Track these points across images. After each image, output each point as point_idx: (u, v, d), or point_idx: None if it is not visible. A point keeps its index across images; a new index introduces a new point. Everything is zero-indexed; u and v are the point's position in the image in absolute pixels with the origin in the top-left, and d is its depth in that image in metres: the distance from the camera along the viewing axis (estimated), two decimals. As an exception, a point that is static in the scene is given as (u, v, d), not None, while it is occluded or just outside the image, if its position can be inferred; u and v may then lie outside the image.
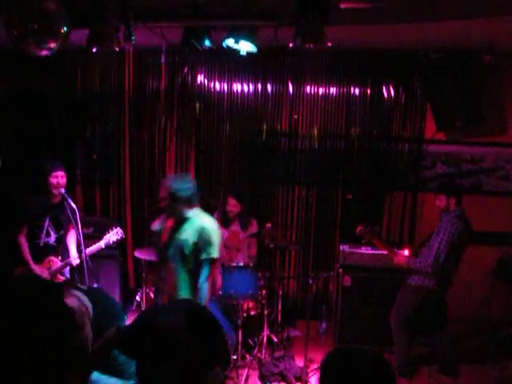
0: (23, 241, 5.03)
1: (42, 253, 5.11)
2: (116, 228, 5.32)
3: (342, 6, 4.42)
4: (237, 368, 5.38)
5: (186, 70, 6.99)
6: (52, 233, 5.15)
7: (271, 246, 6.07)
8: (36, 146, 6.75)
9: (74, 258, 5.13)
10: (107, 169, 7.30)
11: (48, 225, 5.12)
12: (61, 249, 5.24)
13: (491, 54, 5.92)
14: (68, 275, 5.29)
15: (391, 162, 6.90)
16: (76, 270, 5.29)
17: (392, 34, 5.61)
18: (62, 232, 5.22)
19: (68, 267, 5.24)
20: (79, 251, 5.06)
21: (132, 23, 4.44)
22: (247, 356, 5.66)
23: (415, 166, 6.88)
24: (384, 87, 6.78)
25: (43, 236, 5.09)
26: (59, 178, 5.03)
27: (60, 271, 5.16)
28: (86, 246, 5.04)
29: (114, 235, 5.25)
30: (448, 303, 5.55)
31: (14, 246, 5.10)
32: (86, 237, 5.18)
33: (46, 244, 5.13)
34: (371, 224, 5.81)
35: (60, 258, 5.19)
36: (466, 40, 5.67)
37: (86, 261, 4.94)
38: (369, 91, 6.85)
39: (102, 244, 5.19)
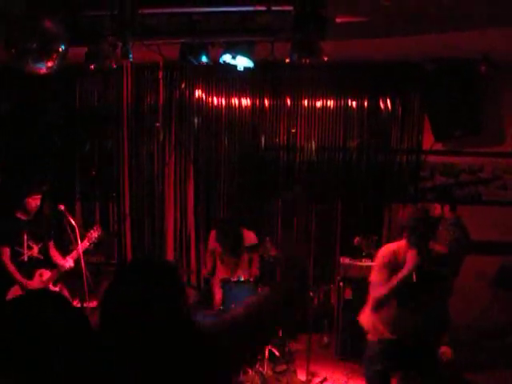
0: (7, 261, 5.04)
1: (29, 267, 5.12)
2: (95, 225, 5.49)
3: (338, 20, 4.45)
4: (240, 383, 5.34)
5: (183, 86, 7.02)
6: (33, 245, 5.17)
7: (271, 260, 6.06)
8: (35, 163, 6.76)
9: (63, 262, 5.16)
10: (106, 185, 7.31)
11: (27, 239, 5.14)
12: (48, 260, 5.26)
13: (487, 64, 5.95)
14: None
15: (390, 173, 6.91)
16: (76, 286, 5.27)
17: (388, 46, 5.64)
18: (43, 243, 5.24)
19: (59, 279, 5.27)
20: (79, 265, 5.06)
21: (129, 41, 4.47)
22: (249, 371, 5.63)
23: (414, 177, 6.89)
24: (381, 99, 6.81)
25: (25, 251, 5.11)
26: (37, 200, 5.09)
27: (52, 280, 5.18)
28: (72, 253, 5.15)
29: (94, 232, 5.34)
30: (449, 312, 5.52)
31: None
32: (85, 252, 5.19)
33: (31, 258, 5.14)
34: (369, 235, 5.81)
35: (49, 269, 5.22)
36: (462, 51, 5.71)
37: (87, 277, 4.95)
38: (366, 103, 6.88)
39: (86, 243, 5.24)
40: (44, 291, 1.73)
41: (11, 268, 5.02)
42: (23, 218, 5.13)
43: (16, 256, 5.09)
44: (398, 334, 3.98)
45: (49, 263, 5.23)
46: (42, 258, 5.22)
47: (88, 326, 1.50)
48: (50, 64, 3.99)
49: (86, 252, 5.19)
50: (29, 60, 3.90)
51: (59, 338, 1.37)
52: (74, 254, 5.14)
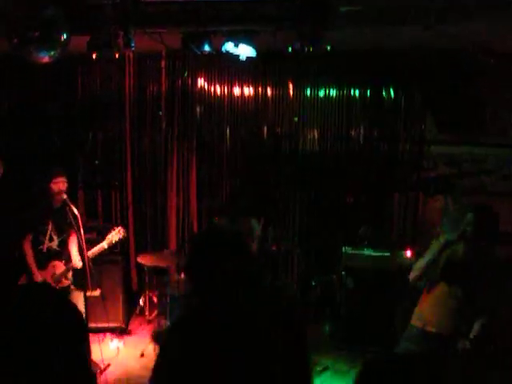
0: (28, 248, 5.02)
1: (45, 258, 5.10)
2: (118, 227, 5.31)
3: (342, 9, 4.43)
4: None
5: (186, 75, 7.01)
6: (55, 237, 5.14)
7: (273, 248, 6.07)
8: (38, 153, 6.77)
9: (77, 261, 5.12)
10: (109, 173, 7.32)
11: (51, 229, 5.11)
12: (64, 253, 5.22)
13: (491, 55, 5.92)
14: (71, 279, 5.27)
15: (392, 163, 6.90)
16: (79, 275, 5.28)
17: (392, 36, 5.61)
18: (64, 236, 5.21)
19: (71, 272, 5.23)
20: (81, 255, 5.04)
21: (131, 29, 4.46)
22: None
23: (417, 167, 6.88)
24: (384, 89, 6.79)
25: (46, 241, 5.09)
26: (60, 184, 5.01)
27: (64, 275, 5.15)
28: (89, 250, 5.04)
29: (116, 234, 5.24)
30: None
31: (17, 254, 5.10)
32: (88, 241, 5.18)
33: (49, 249, 5.12)
34: (374, 225, 5.81)
35: (63, 262, 5.18)
36: (466, 42, 5.68)
37: (89, 265, 4.95)
38: (369, 93, 6.85)
39: (104, 244, 5.18)
40: (47, 288, 1.73)
41: (29, 255, 5.00)
42: (50, 206, 5.08)
43: (36, 244, 5.07)
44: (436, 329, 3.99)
45: (65, 257, 5.20)
46: (60, 250, 5.19)
47: (85, 327, 1.51)
48: (52, 53, 3.99)
49: (88, 242, 5.14)
50: (31, 49, 3.90)
51: (58, 337, 1.38)
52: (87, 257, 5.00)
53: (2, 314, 1.37)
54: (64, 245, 5.21)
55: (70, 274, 5.18)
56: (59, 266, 5.15)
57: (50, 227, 5.08)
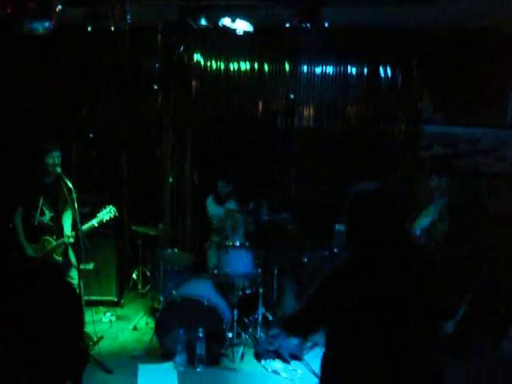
0: (19, 221, 5.02)
1: (36, 232, 5.10)
2: (109, 206, 5.30)
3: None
4: (232, 346, 5.43)
5: (182, 49, 6.94)
6: (46, 212, 5.13)
7: (267, 224, 6.09)
8: (32, 126, 6.72)
9: (68, 237, 5.12)
10: (104, 148, 7.28)
11: (43, 204, 5.10)
12: (56, 228, 5.21)
13: (490, 33, 5.89)
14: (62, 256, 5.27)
15: (388, 142, 6.90)
16: (72, 250, 5.29)
17: (390, 13, 5.58)
18: (56, 211, 5.19)
19: (62, 247, 5.22)
20: (75, 230, 5.04)
21: (127, 2, 4.41)
22: (242, 334, 5.72)
23: (412, 146, 6.88)
24: (381, 67, 6.75)
25: (37, 215, 5.08)
26: (55, 158, 5.00)
27: (55, 250, 5.15)
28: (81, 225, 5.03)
29: (106, 213, 5.22)
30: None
31: (7, 227, 5.08)
32: (82, 216, 5.17)
33: (41, 223, 5.11)
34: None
35: (55, 237, 5.18)
36: (466, 19, 5.64)
37: (83, 240, 4.94)
38: (366, 71, 6.82)
39: (94, 222, 5.16)
40: (43, 264, 1.73)
41: (20, 228, 5.00)
42: (43, 180, 5.07)
43: (27, 218, 5.08)
44: None
45: (57, 232, 5.19)
46: (52, 225, 5.18)
47: (80, 302, 1.52)
48: (46, 24, 3.95)
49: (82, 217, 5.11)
50: (26, 20, 3.86)
51: (56, 311, 1.39)
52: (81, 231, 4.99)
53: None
54: (56, 220, 5.19)
55: (61, 250, 5.19)
56: (50, 242, 5.15)
57: (41, 202, 5.07)
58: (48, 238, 5.14)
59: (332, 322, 2.48)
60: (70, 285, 1.56)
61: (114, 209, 5.27)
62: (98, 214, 5.21)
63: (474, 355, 4.55)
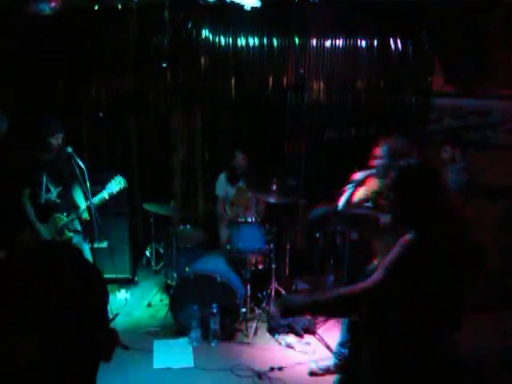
0: (27, 202, 5.02)
1: (45, 211, 5.03)
2: (117, 177, 5.22)
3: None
4: (246, 321, 5.50)
5: (190, 26, 6.90)
6: (52, 188, 5.09)
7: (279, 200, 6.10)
8: (41, 106, 6.73)
9: (82, 211, 5.10)
10: (113, 126, 7.29)
11: (47, 180, 5.06)
12: (65, 204, 5.20)
13: (501, 4, 5.80)
14: (79, 229, 5.26)
15: (398, 114, 6.86)
16: (86, 228, 5.30)
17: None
18: (62, 187, 5.15)
19: (77, 222, 5.22)
20: (89, 210, 5.03)
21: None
22: (256, 309, 5.78)
23: (422, 118, 6.84)
24: (391, 39, 6.68)
25: (43, 193, 5.05)
26: (59, 139, 4.99)
27: (67, 226, 5.14)
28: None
29: (116, 185, 5.16)
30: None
31: (16, 209, 5.07)
32: (94, 194, 5.18)
33: (48, 201, 5.02)
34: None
35: (65, 214, 5.17)
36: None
37: (96, 217, 4.95)
38: (376, 43, 6.75)
39: (105, 195, 5.11)
40: (62, 244, 1.74)
41: (28, 209, 4.99)
42: (43, 157, 4.96)
43: (34, 198, 5.03)
44: None
45: (66, 208, 5.12)
46: (60, 201, 5.11)
47: (103, 282, 1.53)
48: (52, 4, 3.95)
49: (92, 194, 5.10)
50: (32, 1, 3.86)
51: (81, 292, 1.40)
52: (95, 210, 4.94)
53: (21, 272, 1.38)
54: (63, 196, 5.15)
55: (73, 226, 5.19)
56: (61, 219, 5.15)
57: (44, 179, 5.04)
58: (58, 215, 5.13)
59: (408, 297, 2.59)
60: (93, 265, 1.57)
61: (123, 179, 5.19)
62: (107, 186, 5.17)
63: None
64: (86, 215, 5.08)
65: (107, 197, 5.12)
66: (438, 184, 2.68)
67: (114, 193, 5.16)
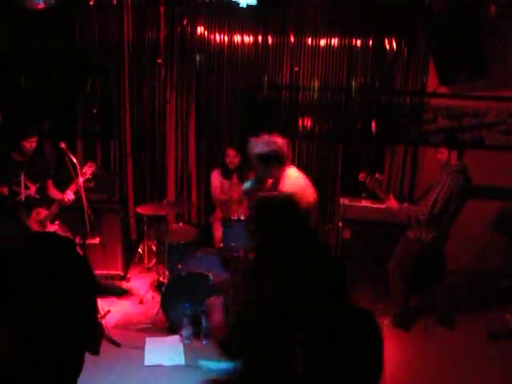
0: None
1: (26, 206, 5.26)
2: (88, 162, 5.46)
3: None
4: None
5: (185, 22, 6.88)
6: (30, 184, 5.28)
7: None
8: (36, 101, 6.70)
9: (64, 195, 5.24)
10: (107, 122, 7.27)
11: (24, 179, 5.24)
12: (44, 199, 5.36)
13: (496, 4, 5.80)
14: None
15: (392, 115, 6.86)
16: (78, 224, 5.33)
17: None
18: (41, 182, 5.34)
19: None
20: (79, 202, 5.13)
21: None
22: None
23: (417, 119, 6.84)
24: (386, 39, 6.68)
25: (22, 190, 5.22)
26: (33, 143, 5.14)
27: (49, 218, 5.30)
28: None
29: (88, 168, 5.36)
30: (446, 255, 5.62)
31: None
32: (87, 190, 5.21)
33: (28, 197, 5.26)
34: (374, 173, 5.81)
35: (45, 207, 5.32)
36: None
37: (88, 214, 5.00)
38: (371, 43, 6.75)
39: (80, 179, 5.24)
40: (52, 234, 1.71)
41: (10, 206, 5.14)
42: (19, 159, 5.21)
43: (14, 195, 5.22)
44: None
45: (46, 202, 5.35)
46: (39, 197, 5.34)
47: (92, 274, 1.52)
48: (48, -1, 3.92)
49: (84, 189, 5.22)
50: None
51: (70, 282, 1.39)
52: (73, 187, 5.23)
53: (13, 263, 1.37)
54: (43, 191, 5.34)
55: (56, 220, 5.33)
56: (42, 211, 5.31)
57: (22, 178, 5.19)
58: (39, 209, 5.28)
59: None
60: (83, 257, 1.56)
61: (92, 163, 5.45)
62: (81, 172, 5.28)
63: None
64: (69, 196, 5.20)
65: (82, 181, 5.24)
66: (291, 215, 2.60)
67: (89, 176, 5.37)
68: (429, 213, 5.12)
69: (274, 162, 4.68)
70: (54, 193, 5.44)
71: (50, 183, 5.47)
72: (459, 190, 5.16)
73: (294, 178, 4.75)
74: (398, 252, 5.54)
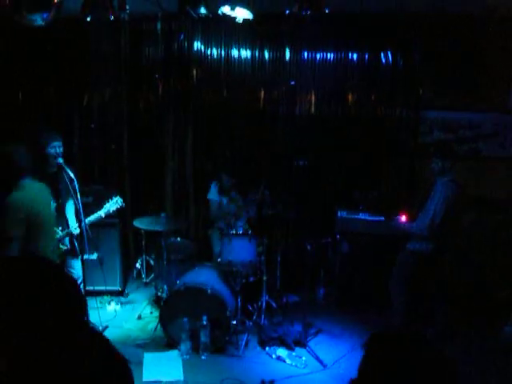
0: None
1: None
2: (116, 197, 5.31)
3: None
4: (237, 333, 5.46)
5: (182, 38, 6.92)
6: (51, 202, 5.10)
7: (270, 212, 6.11)
8: (33, 116, 6.72)
9: (74, 228, 5.10)
10: (105, 137, 7.28)
11: None
12: (60, 218, 5.19)
13: (492, 18, 5.86)
14: (68, 245, 5.27)
15: (389, 127, 6.89)
16: (76, 239, 5.28)
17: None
18: (59, 201, 5.16)
19: (67, 237, 5.21)
20: (78, 220, 5.01)
21: (126, -9, 4.39)
22: (246, 321, 5.75)
23: (413, 131, 6.87)
24: (382, 53, 6.73)
25: None
26: (57, 147, 4.97)
27: (61, 241, 5.14)
28: (86, 215, 5.01)
29: (113, 204, 5.23)
30: (445, 268, 5.62)
31: None
32: (85, 206, 5.15)
33: None
34: (368, 190, 5.83)
35: (60, 228, 5.16)
36: (467, 4, 5.61)
37: (86, 230, 4.92)
38: (367, 57, 6.79)
39: (101, 213, 5.17)
40: (41, 261, 1.69)
41: None
42: (44, 171, 4.95)
43: None
44: None
45: (61, 222, 5.10)
46: (56, 215, 4.97)
47: (84, 302, 1.52)
48: (45, 15, 3.94)
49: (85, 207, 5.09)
50: (24, 11, 3.85)
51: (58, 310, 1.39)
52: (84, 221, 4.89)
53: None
54: (60, 210, 5.15)
55: (67, 240, 5.18)
56: (56, 232, 5.12)
57: None
58: (54, 228, 5.11)
59: None
60: (71, 277, 1.56)
61: (120, 199, 5.26)
62: (105, 205, 5.20)
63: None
64: (76, 230, 5.05)
65: (103, 215, 5.16)
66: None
67: (111, 212, 5.18)
68: (429, 228, 5.15)
69: None
70: (68, 214, 5.17)
71: (69, 204, 5.19)
72: (455, 199, 5.19)
73: None
74: (398, 265, 5.54)
